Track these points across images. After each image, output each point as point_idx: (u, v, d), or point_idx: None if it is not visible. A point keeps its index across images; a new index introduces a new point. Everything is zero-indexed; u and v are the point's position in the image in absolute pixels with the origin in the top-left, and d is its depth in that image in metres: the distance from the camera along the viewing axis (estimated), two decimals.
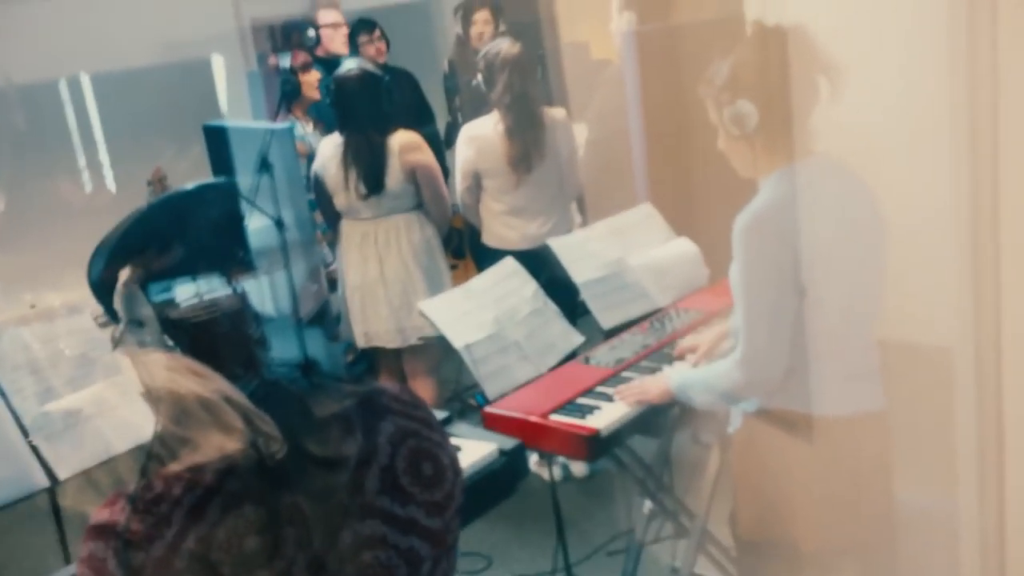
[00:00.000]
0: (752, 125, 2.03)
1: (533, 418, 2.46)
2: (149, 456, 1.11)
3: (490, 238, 3.93)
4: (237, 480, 1.09)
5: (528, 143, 3.69)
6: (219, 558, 1.07)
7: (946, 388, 1.51)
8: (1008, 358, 1.42)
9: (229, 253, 1.22)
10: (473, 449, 2.35)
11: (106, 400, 2.54)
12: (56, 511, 2.60)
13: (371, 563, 1.13)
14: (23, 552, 3.59)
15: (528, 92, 3.69)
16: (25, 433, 2.40)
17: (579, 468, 3.97)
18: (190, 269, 1.18)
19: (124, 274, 1.17)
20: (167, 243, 1.19)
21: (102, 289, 1.19)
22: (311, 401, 1.18)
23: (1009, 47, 1.35)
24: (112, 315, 1.19)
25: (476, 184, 3.84)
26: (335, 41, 4.60)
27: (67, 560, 2.65)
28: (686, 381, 2.31)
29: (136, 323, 1.15)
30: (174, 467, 1.10)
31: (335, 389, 1.22)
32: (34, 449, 2.39)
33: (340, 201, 3.71)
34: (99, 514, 1.11)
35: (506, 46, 3.71)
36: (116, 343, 1.17)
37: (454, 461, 1.24)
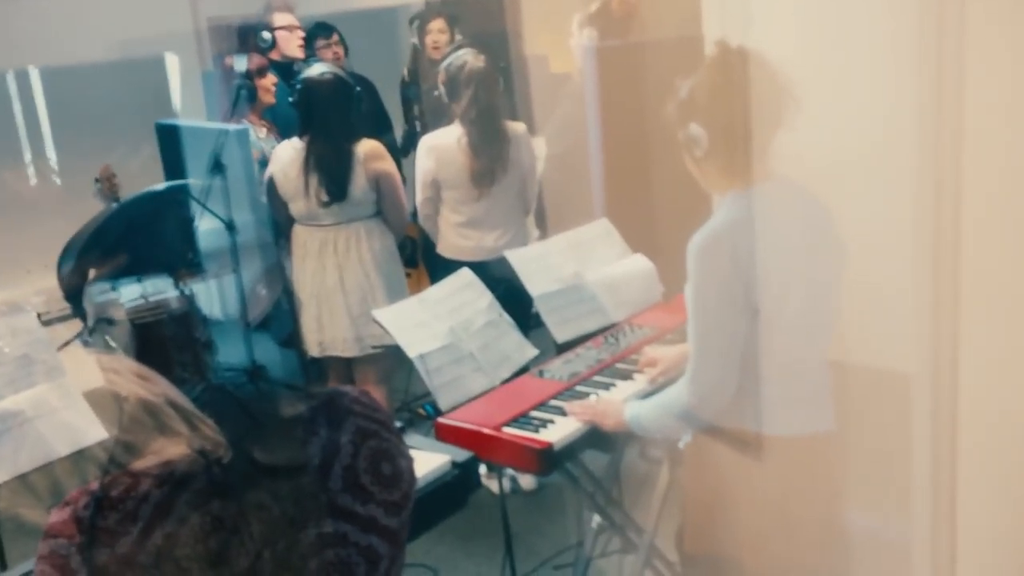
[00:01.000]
0: (703, 148, 2.05)
1: (486, 430, 2.45)
2: (111, 458, 1.11)
3: (445, 248, 3.91)
4: (201, 480, 1.09)
5: (492, 158, 3.68)
6: (184, 555, 1.07)
7: (903, 413, 1.53)
8: (965, 385, 1.44)
9: (179, 254, 1.23)
10: (426, 460, 2.33)
11: (48, 402, 2.48)
12: None
13: (333, 560, 1.15)
14: None
15: (493, 106, 3.68)
16: None
17: (527, 481, 3.96)
18: (157, 267, 1.18)
19: (93, 273, 1.18)
20: (138, 242, 1.20)
21: (71, 287, 1.20)
22: (260, 406, 1.19)
23: (975, 73, 1.37)
24: (81, 313, 1.19)
25: (436, 195, 3.83)
26: (291, 44, 4.56)
27: (4, 566, 2.58)
28: (639, 413, 2.30)
29: (106, 322, 1.16)
30: (130, 468, 1.09)
31: (292, 393, 1.24)
32: None
33: (298, 207, 3.67)
34: (61, 511, 1.10)
35: (471, 59, 3.69)
36: (86, 341, 1.18)
37: (410, 463, 1.27)
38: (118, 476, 1.09)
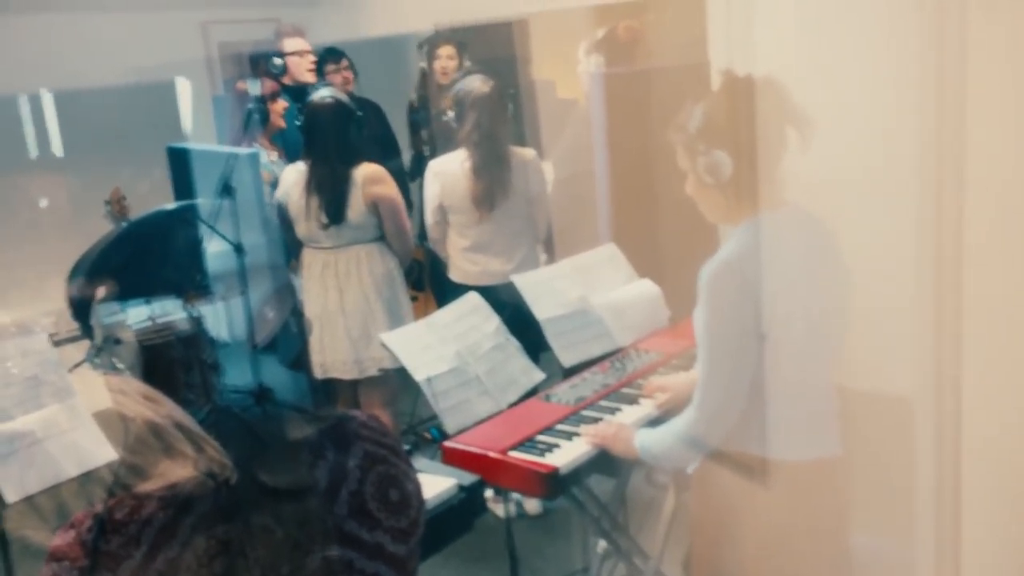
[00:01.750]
0: (727, 175, 2.05)
1: (492, 454, 2.45)
2: (116, 479, 1.11)
3: (455, 272, 3.93)
4: (206, 502, 1.09)
5: (493, 181, 3.70)
6: None
7: (906, 437, 1.53)
8: (967, 409, 1.44)
9: (188, 276, 1.23)
10: (432, 483, 2.33)
11: (58, 423, 2.49)
12: (2, 535, 2.54)
13: None
14: None
15: (496, 131, 3.70)
16: None
17: (533, 505, 3.95)
18: (166, 289, 1.19)
19: (102, 291, 1.17)
20: (147, 261, 1.20)
21: (79, 305, 1.20)
22: (266, 428, 1.19)
23: (976, 96, 1.38)
24: (88, 332, 1.19)
25: (443, 219, 3.85)
26: (301, 68, 4.61)
27: None
28: (649, 442, 2.30)
29: (113, 341, 1.16)
30: (135, 490, 1.09)
31: (301, 416, 1.24)
32: None
33: (301, 229, 3.71)
34: (64, 534, 1.10)
35: (478, 84, 3.72)
36: (92, 360, 1.18)
37: (419, 489, 1.26)
38: (122, 499, 1.09)
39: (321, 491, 1.16)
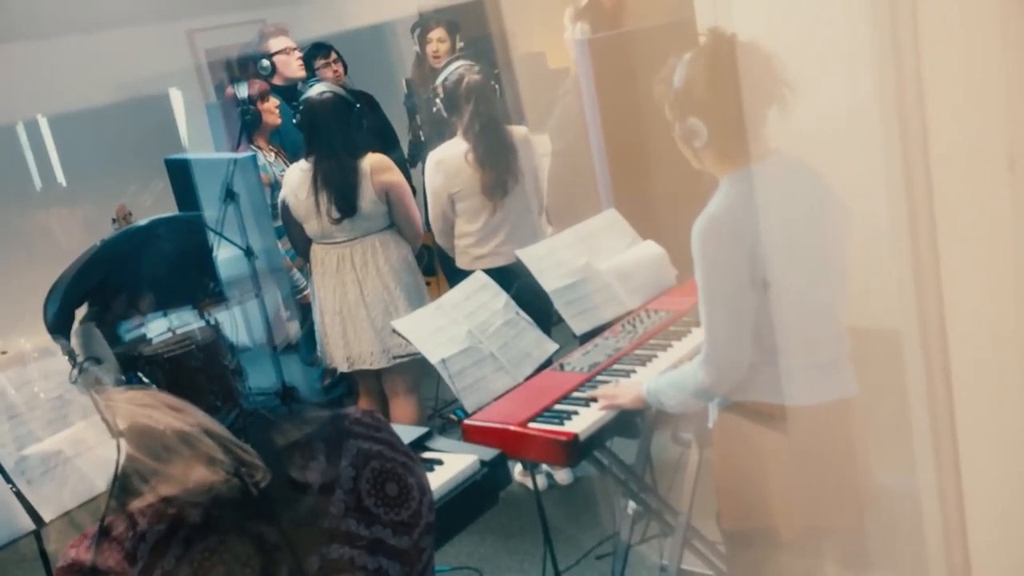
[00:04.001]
0: (702, 141, 2.08)
1: (512, 427, 2.48)
2: (111, 493, 1.11)
3: (464, 262, 3.88)
4: (201, 512, 1.09)
5: (502, 169, 3.68)
6: None
7: (898, 370, 1.56)
8: (953, 336, 1.48)
9: (199, 285, 1.24)
10: (455, 462, 2.37)
11: (85, 440, 2.54)
12: (43, 554, 2.59)
13: None
14: None
15: (495, 117, 3.68)
16: (7, 478, 2.39)
17: (563, 476, 3.99)
18: (158, 304, 1.19)
19: (80, 312, 1.18)
20: (122, 279, 1.20)
21: (58, 329, 1.20)
22: (286, 427, 1.19)
23: (931, 49, 1.42)
24: (70, 354, 1.20)
25: (449, 209, 3.80)
26: (291, 66, 4.61)
27: None
28: (656, 386, 2.35)
29: (94, 360, 1.16)
30: (148, 500, 1.10)
31: (299, 416, 1.23)
32: (17, 494, 2.38)
33: (312, 227, 3.71)
34: (68, 552, 1.11)
35: (467, 72, 3.67)
36: (74, 381, 1.18)
37: (420, 480, 1.25)
38: (118, 516, 1.10)
39: (315, 493, 1.15)
